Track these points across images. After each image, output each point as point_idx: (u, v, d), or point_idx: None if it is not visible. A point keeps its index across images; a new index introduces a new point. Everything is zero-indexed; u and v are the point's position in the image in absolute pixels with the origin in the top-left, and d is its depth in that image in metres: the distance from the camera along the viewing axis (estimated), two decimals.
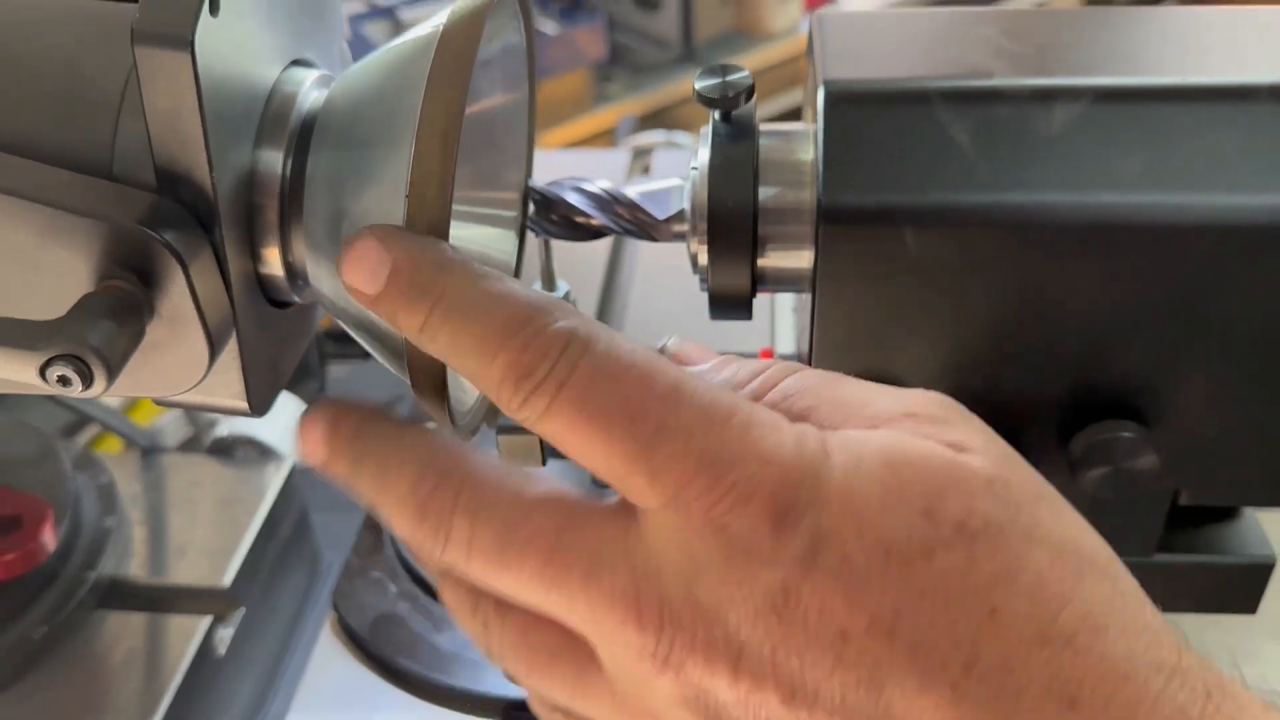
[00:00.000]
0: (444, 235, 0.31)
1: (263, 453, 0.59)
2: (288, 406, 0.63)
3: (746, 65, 0.39)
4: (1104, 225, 0.35)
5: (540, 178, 0.42)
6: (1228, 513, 0.47)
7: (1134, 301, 0.37)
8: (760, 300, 0.42)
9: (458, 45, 0.32)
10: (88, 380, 0.30)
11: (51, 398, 0.57)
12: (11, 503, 0.48)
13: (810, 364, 0.40)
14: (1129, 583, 0.28)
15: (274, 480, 0.55)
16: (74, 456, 0.55)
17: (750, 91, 0.39)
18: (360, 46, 0.38)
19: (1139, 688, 0.26)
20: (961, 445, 0.29)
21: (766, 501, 0.27)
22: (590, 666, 0.30)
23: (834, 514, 0.27)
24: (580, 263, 0.71)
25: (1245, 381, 0.38)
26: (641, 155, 0.89)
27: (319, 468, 0.33)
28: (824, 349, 0.39)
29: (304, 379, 0.77)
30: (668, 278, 0.69)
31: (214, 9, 0.31)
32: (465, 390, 0.40)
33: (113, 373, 0.31)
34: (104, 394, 0.32)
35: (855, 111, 0.36)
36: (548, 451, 0.42)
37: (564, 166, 0.83)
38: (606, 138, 1.74)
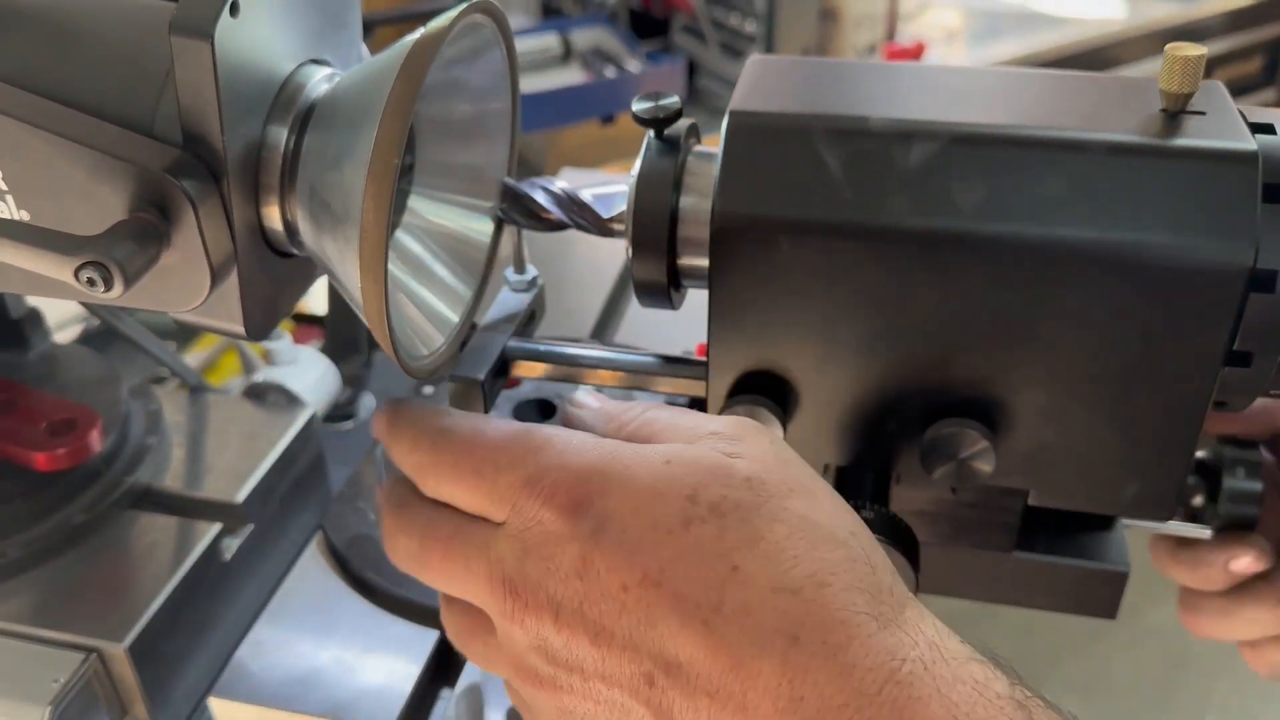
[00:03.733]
0: (391, 197, 0.40)
1: (290, 399, 0.69)
2: (316, 366, 0.73)
3: None
4: (946, 248, 0.42)
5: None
6: (1104, 523, 0.53)
7: (971, 317, 0.43)
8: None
9: (415, 62, 0.40)
10: (110, 284, 0.39)
11: (131, 340, 0.67)
12: (70, 410, 0.58)
13: (707, 353, 0.47)
14: (875, 556, 0.37)
15: (295, 423, 0.65)
16: (131, 386, 0.65)
17: (678, 114, 0.46)
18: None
19: (852, 630, 0.34)
20: (737, 454, 0.39)
21: (565, 496, 0.38)
22: (491, 634, 0.41)
23: (616, 499, 0.37)
24: (592, 270, 0.79)
25: (1070, 395, 0.44)
26: None
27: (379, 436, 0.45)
28: (719, 341, 0.46)
29: (353, 354, 0.86)
30: None
31: (234, 11, 0.40)
32: (423, 343, 0.48)
33: (129, 282, 0.40)
34: (121, 300, 0.41)
35: (751, 137, 0.44)
36: (491, 399, 0.50)
37: None
38: None
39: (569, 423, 0.46)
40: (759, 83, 0.47)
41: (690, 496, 0.37)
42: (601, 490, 0.38)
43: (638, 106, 0.46)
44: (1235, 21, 2.44)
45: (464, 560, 0.40)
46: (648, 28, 2.11)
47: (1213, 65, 2.05)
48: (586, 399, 0.46)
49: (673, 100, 0.46)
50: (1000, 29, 2.23)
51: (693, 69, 2.03)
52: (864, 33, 1.92)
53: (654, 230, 0.46)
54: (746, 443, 0.40)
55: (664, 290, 0.48)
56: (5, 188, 0.42)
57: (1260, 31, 2.49)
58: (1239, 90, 2.53)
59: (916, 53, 2.06)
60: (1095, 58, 2.21)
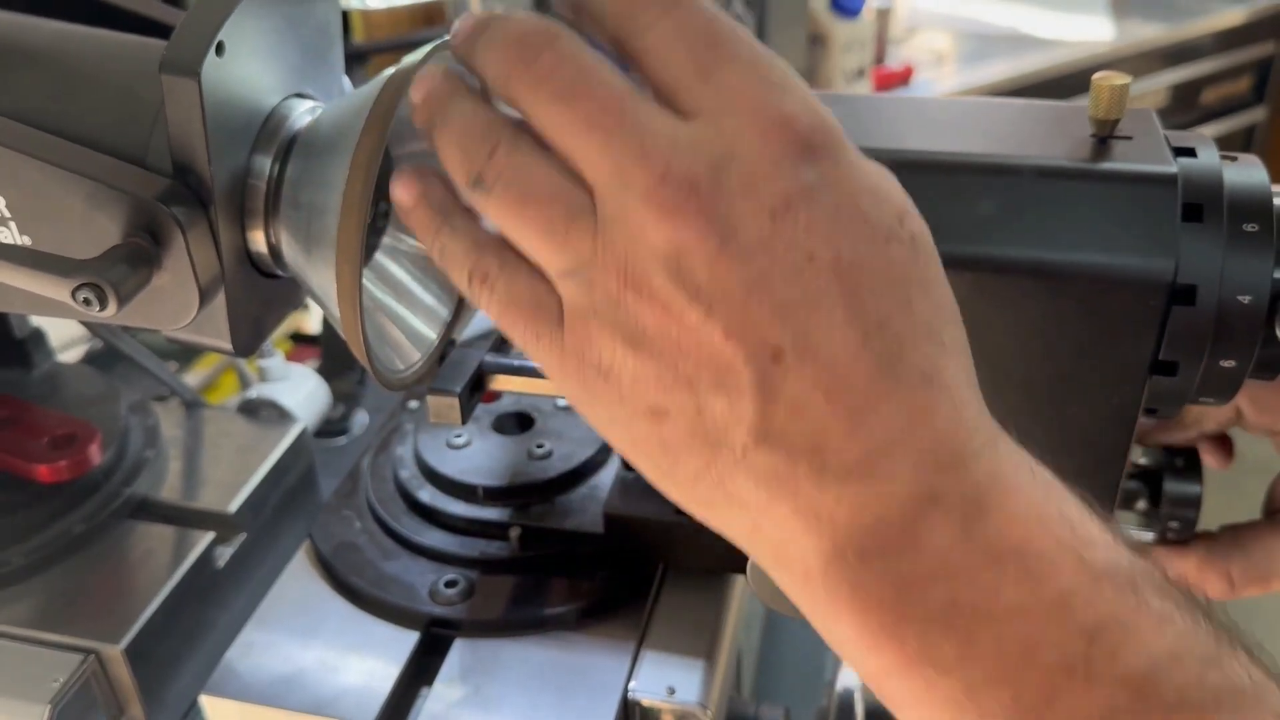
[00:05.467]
0: (363, 218, 0.43)
1: (281, 415, 0.72)
2: (307, 382, 0.76)
3: None
4: None
5: None
6: None
7: None
8: None
9: (386, 96, 0.43)
10: (105, 304, 0.42)
11: (131, 358, 0.70)
12: (71, 425, 0.61)
13: None
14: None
15: (287, 437, 0.67)
16: (131, 403, 0.68)
17: None
18: None
19: (968, 395, 0.36)
20: None
21: (801, 133, 0.33)
22: (583, 213, 0.34)
23: (844, 170, 0.34)
24: None
25: (1007, 405, 0.47)
26: None
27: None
28: None
29: (347, 372, 0.89)
30: None
31: (219, 51, 0.43)
32: (401, 359, 0.51)
33: (123, 301, 0.43)
34: (116, 318, 0.44)
35: None
36: (467, 411, 0.53)
37: None
38: None
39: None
40: None
41: (899, 215, 0.35)
42: (834, 153, 0.34)
43: None
44: (1224, 41, 2.47)
45: (639, 131, 0.34)
46: None
47: (1201, 85, 2.07)
48: None
49: None
50: (989, 52, 2.26)
51: None
52: (853, 57, 1.96)
53: None
54: None
55: None
56: (8, 214, 0.46)
57: (1248, 51, 2.52)
58: (1228, 110, 2.57)
59: (905, 76, 2.10)
60: (1083, 79, 2.23)
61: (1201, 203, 0.43)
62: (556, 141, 0.35)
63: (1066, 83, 2.19)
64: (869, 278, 0.33)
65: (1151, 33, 2.37)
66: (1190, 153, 0.45)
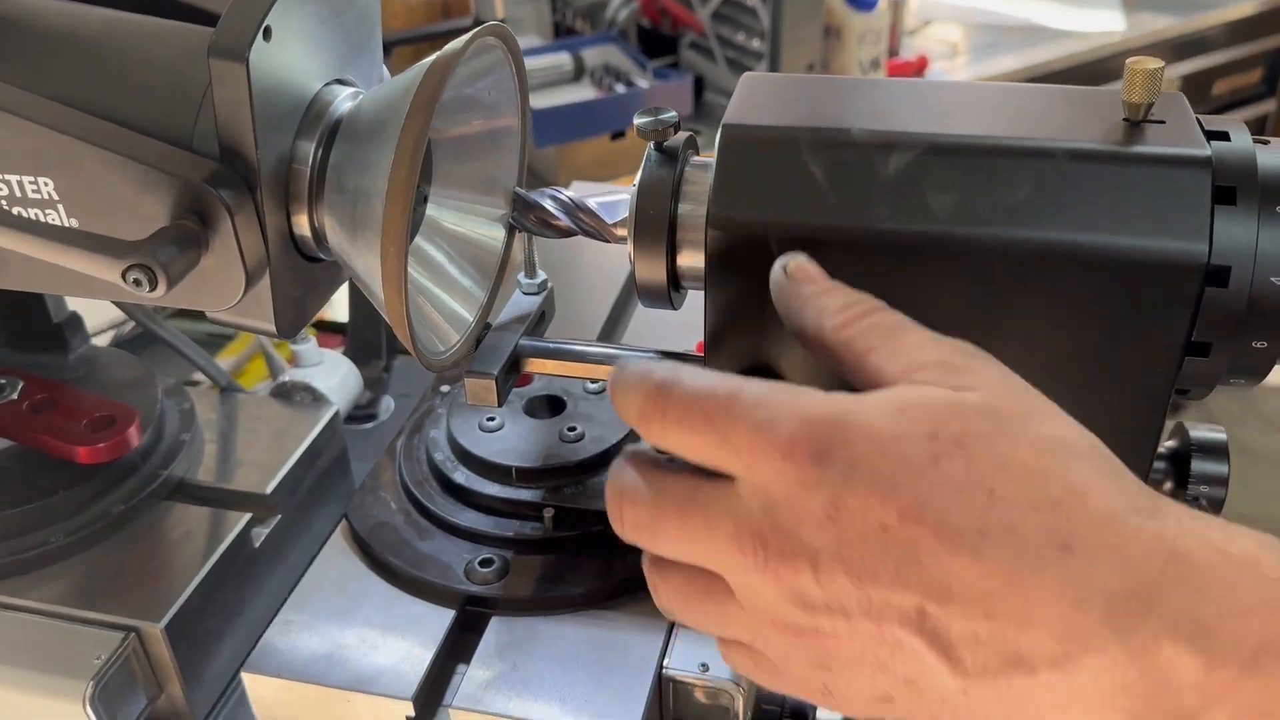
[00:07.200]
0: (409, 202, 0.43)
1: (315, 399, 0.73)
2: (339, 367, 0.77)
3: None
4: (922, 251, 0.46)
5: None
6: None
7: (945, 315, 0.46)
8: None
9: (430, 81, 0.44)
10: (154, 285, 0.43)
11: (168, 343, 0.71)
12: (110, 408, 0.62)
13: (704, 350, 0.51)
14: (1112, 463, 0.38)
15: (320, 420, 0.68)
16: (166, 386, 0.68)
17: (676, 126, 0.50)
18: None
19: (1119, 528, 0.36)
20: (967, 386, 0.39)
21: (806, 447, 0.37)
22: (728, 598, 0.40)
23: (859, 445, 0.37)
24: (600, 276, 0.83)
25: (1040, 387, 0.47)
26: None
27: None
28: (714, 339, 0.50)
29: (374, 359, 0.90)
30: None
31: (267, 36, 0.44)
32: (440, 340, 0.52)
33: (172, 283, 0.44)
34: (163, 300, 0.45)
35: (743, 148, 0.47)
36: (504, 393, 0.54)
37: None
38: None
39: (798, 270, 0.44)
40: (751, 98, 0.50)
41: (931, 435, 0.37)
42: (843, 440, 0.37)
43: (639, 120, 0.50)
44: (1235, 33, 2.46)
45: (704, 519, 0.39)
46: (657, 45, 2.15)
47: (1213, 77, 2.07)
48: (808, 269, 0.45)
49: (670, 115, 0.50)
50: (1002, 43, 2.27)
51: (700, 85, 2.07)
52: (867, 48, 1.96)
53: (654, 235, 0.50)
54: (974, 373, 0.40)
55: (664, 291, 0.51)
56: (57, 197, 0.46)
57: (1260, 43, 2.52)
58: (1240, 102, 2.57)
59: (919, 67, 2.10)
60: (1096, 70, 2.25)
61: (1235, 185, 0.44)
62: (676, 559, 0.42)
63: (1079, 74, 2.19)
64: (940, 504, 0.36)
65: (1163, 24, 2.37)
66: (1224, 136, 0.46)
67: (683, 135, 0.51)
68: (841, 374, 0.42)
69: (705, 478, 0.40)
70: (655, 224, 0.50)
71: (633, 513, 0.42)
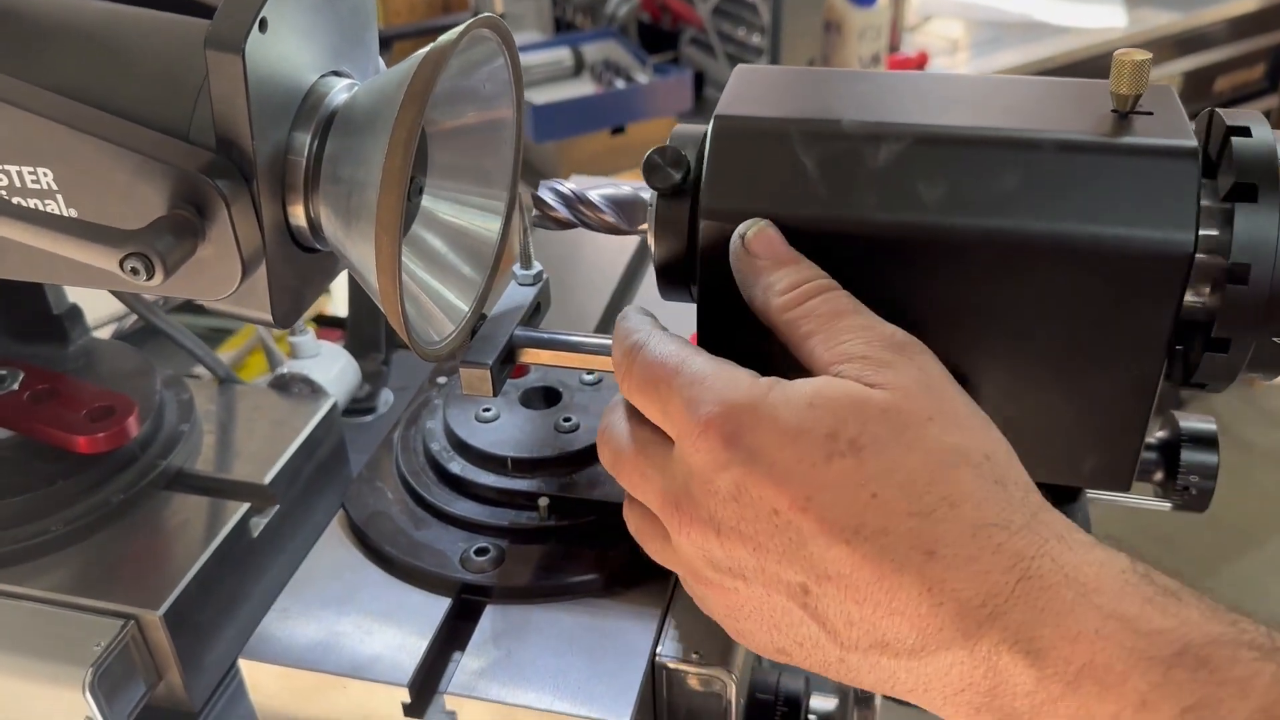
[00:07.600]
0: (403, 192, 0.44)
1: (313, 390, 0.73)
2: (337, 360, 0.77)
3: None
4: (912, 240, 0.46)
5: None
6: (1069, 494, 0.56)
7: (936, 303, 0.47)
8: None
9: (424, 72, 0.44)
10: (151, 273, 0.44)
11: (167, 334, 0.72)
12: (109, 398, 0.63)
13: (697, 341, 0.51)
14: (1009, 473, 0.42)
15: (319, 411, 0.69)
16: (165, 378, 0.69)
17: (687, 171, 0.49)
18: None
19: (983, 542, 0.39)
20: (880, 384, 0.42)
21: (720, 428, 0.42)
22: (666, 540, 0.47)
23: (765, 434, 0.41)
24: (597, 270, 0.83)
25: (1030, 375, 0.48)
26: None
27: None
28: (707, 329, 0.51)
29: (372, 352, 0.90)
30: None
31: (263, 28, 0.44)
32: (435, 330, 0.52)
33: (169, 271, 0.44)
34: (161, 289, 0.46)
35: (734, 140, 0.48)
36: (499, 383, 0.54)
37: None
38: None
39: (755, 241, 0.46)
40: (743, 90, 0.51)
41: (830, 434, 0.41)
42: (752, 426, 0.42)
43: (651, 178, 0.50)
44: (1237, 29, 2.46)
45: (643, 474, 0.46)
46: (657, 41, 2.15)
47: (1215, 73, 2.06)
48: (769, 238, 0.47)
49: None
50: (1003, 39, 2.27)
51: (700, 80, 2.07)
52: (867, 44, 1.96)
53: (674, 235, 0.50)
54: (892, 369, 0.43)
55: (687, 286, 0.52)
56: (55, 187, 0.47)
57: (1262, 39, 2.52)
58: (1242, 98, 2.56)
59: (920, 63, 2.10)
60: (1097, 66, 2.24)
61: (1255, 182, 0.44)
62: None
63: (1080, 70, 2.19)
64: (827, 499, 0.40)
65: (1165, 20, 2.37)
66: (1245, 132, 0.45)
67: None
68: (789, 349, 0.46)
69: (661, 435, 0.46)
70: (675, 226, 0.50)
71: (606, 450, 0.48)
